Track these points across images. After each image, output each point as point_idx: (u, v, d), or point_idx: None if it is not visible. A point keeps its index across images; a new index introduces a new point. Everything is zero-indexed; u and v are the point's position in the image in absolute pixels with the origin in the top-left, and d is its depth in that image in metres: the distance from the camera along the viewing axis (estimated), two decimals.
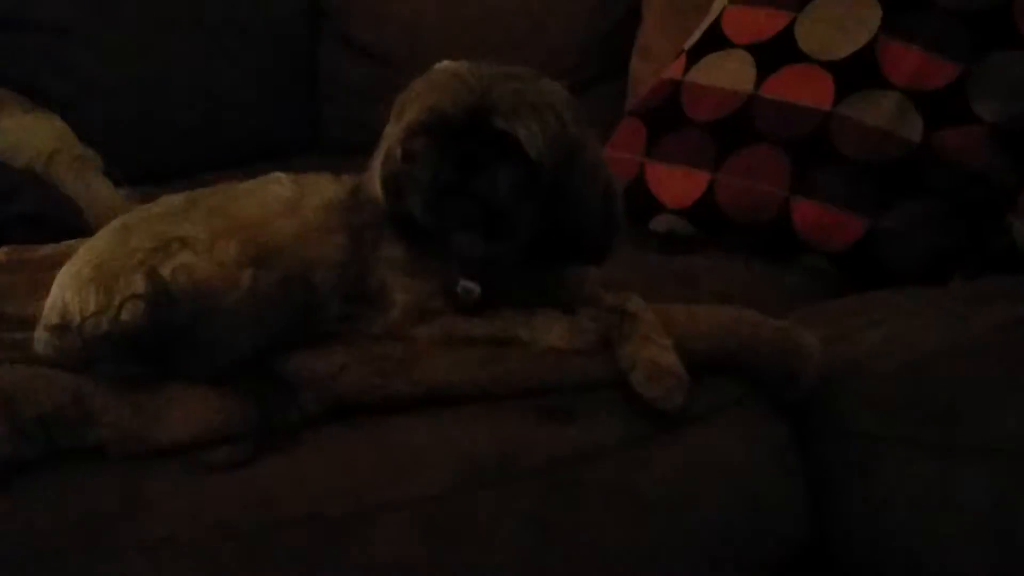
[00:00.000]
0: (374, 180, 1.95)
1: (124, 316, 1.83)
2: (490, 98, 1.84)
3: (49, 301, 1.93)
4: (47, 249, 2.29)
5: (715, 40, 2.86)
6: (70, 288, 1.91)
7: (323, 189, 2.03)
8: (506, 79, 1.88)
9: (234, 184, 2.05)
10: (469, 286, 1.94)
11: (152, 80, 3.47)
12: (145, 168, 3.21)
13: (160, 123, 3.48)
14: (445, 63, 1.94)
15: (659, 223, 2.79)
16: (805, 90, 2.67)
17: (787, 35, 2.74)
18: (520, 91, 1.87)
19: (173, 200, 2.03)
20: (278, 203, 2.00)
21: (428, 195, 1.86)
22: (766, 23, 2.79)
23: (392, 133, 1.92)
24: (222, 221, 1.95)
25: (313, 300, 1.93)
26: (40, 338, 1.91)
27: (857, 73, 2.64)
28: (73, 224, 2.68)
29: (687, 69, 2.88)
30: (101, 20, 3.41)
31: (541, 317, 1.95)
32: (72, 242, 2.20)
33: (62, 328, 1.88)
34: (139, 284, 1.85)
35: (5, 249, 2.33)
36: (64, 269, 1.95)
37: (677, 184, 2.75)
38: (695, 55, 2.87)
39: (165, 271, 1.86)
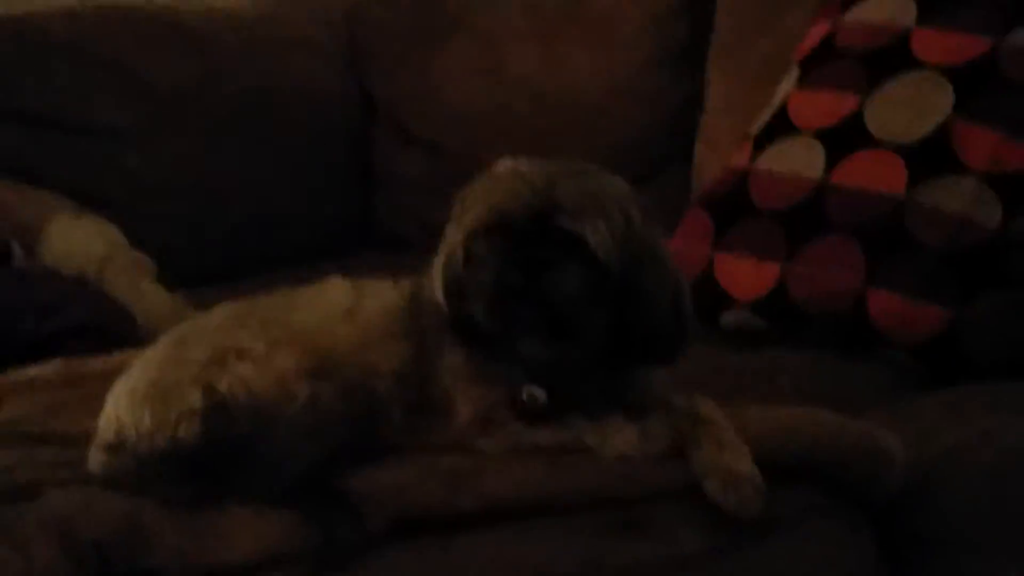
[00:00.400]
0: (435, 284, 1.93)
1: (180, 433, 1.82)
2: (554, 197, 1.82)
3: (103, 418, 1.90)
4: (100, 362, 2.28)
5: (782, 126, 2.81)
6: (125, 404, 1.89)
7: (382, 294, 2.01)
8: (570, 176, 1.86)
9: (291, 291, 2.03)
10: (535, 393, 1.91)
11: (204, 181, 3.46)
12: (199, 271, 3.18)
13: (213, 224, 3.46)
14: (506, 161, 1.91)
15: (729, 318, 2.73)
16: (877, 176, 2.61)
17: (856, 119, 2.69)
18: (585, 189, 1.84)
19: (229, 309, 2.01)
20: (336, 310, 1.97)
21: (492, 299, 1.83)
22: (833, 107, 2.74)
23: (453, 235, 1.90)
24: (279, 330, 1.93)
25: (375, 411, 1.91)
26: (94, 457, 1.88)
27: (931, 157, 2.59)
28: (127, 333, 2.65)
29: (754, 156, 2.82)
30: (154, 122, 3.41)
31: (610, 423, 1.91)
32: (126, 354, 2.18)
33: (117, 447, 1.86)
34: (195, 399, 1.84)
35: (57, 362, 2.32)
36: (118, 384, 1.93)
37: (747, 276, 2.70)
38: (761, 142, 2.83)
39: (222, 385, 1.84)
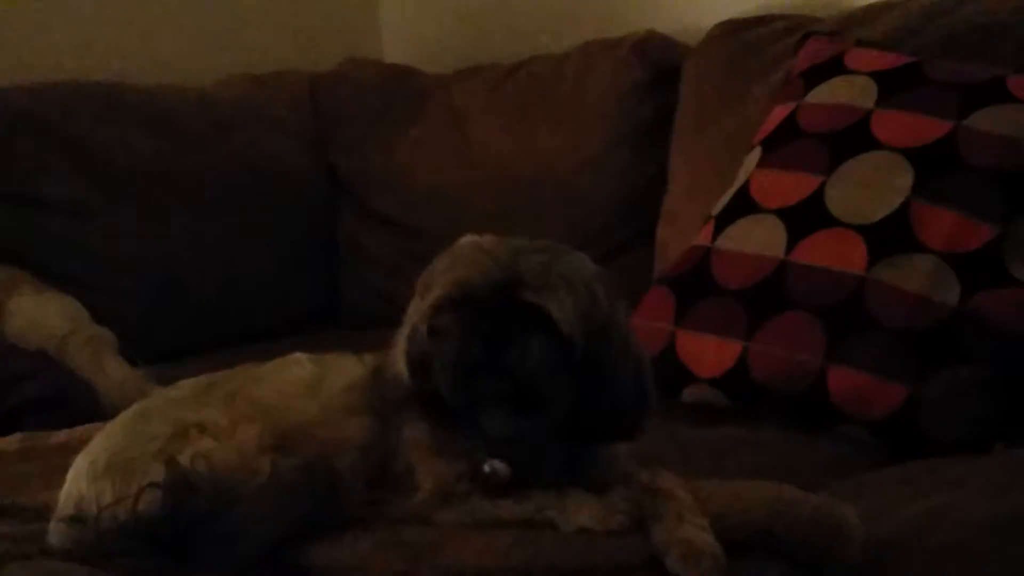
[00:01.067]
0: (398, 359, 1.92)
1: (141, 506, 1.81)
2: (518, 271, 1.83)
3: (64, 491, 1.91)
4: (62, 435, 2.29)
5: (744, 205, 2.83)
6: (86, 477, 1.89)
7: (345, 369, 2.01)
8: (534, 252, 1.86)
9: (253, 367, 2.03)
10: (497, 467, 1.91)
11: (168, 257, 3.49)
12: (162, 347, 3.20)
13: (175, 300, 3.48)
14: (469, 237, 1.92)
15: (691, 393, 2.74)
16: (837, 255, 2.64)
17: (817, 199, 2.71)
18: (549, 263, 1.85)
19: (191, 384, 2.01)
20: (299, 386, 1.98)
21: (456, 372, 1.83)
22: (795, 187, 2.76)
23: (417, 310, 1.91)
24: (242, 405, 1.93)
25: (336, 485, 1.89)
26: (55, 530, 1.88)
27: (890, 237, 2.61)
28: (89, 407, 2.67)
29: (716, 235, 2.85)
30: (115, 197, 3.43)
31: (572, 497, 1.90)
32: (88, 427, 2.19)
33: (78, 519, 1.85)
34: (157, 472, 1.83)
35: (19, 436, 2.32)
36: (80, 457, 1.93)
37: (709, 353, 2.71)
38: (723, 221, 2.85)
39: (183, 458, 1.84)
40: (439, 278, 1.88)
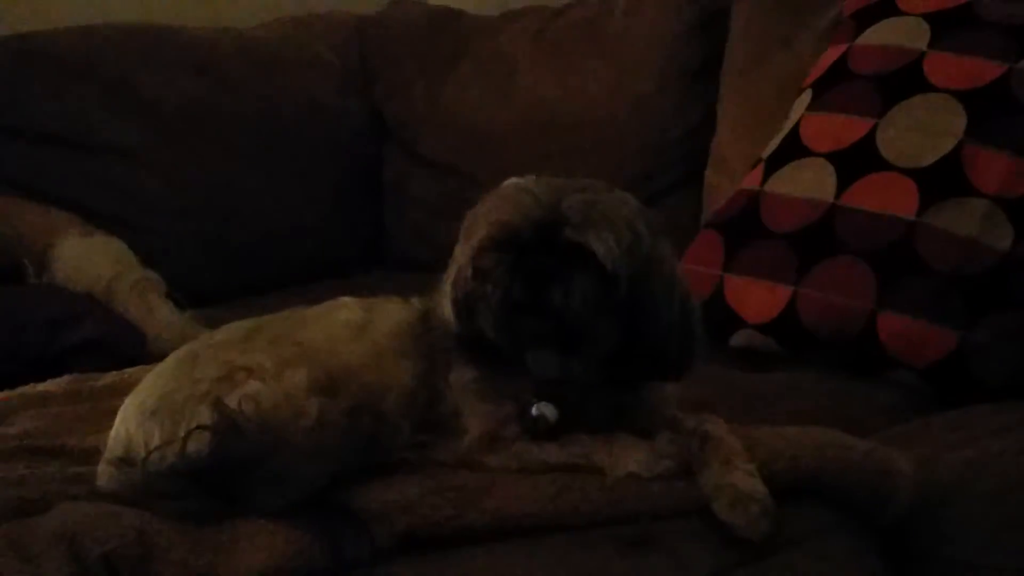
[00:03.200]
0: (444, 302, 1.93)
1: (189, 449, 1.80)
2: (560, 210, 1.83)
3: (113, 433, 1.91)
4: (110, 377, 2.28)
5: (794, 149, 2.80)
6: (134, 420, 1.89)
7: (392, 313, 2.01)
8: (576, 191, 1.86)
9: (300, 310, 2.04)
10: (544, 410, 1.90)
11: (215, 200, 3.48)
12: (208, 290, 3.19)
13: (223, 244, 3.48)
14: (514, 179, 1.92)
15: (740, 339, 2.72)
16: (888, 199, 2.61)
17: (868, 143, 2.68)
18: (591, 202, 1.84)
19: (239, 327, 2.01)
20: (345, 329, 1.98)
21: (500, 313, 1.83)
22: (846, 130, 2.73)
23: (462, 252, 1.91)
24: (289, 349, 1.93)
25: (383, 429, 1.90)
26: (104, 472, 1.88)
27: (942, 180, 2.58)
28: (137, 350, 2.67)
29: (765, 179, 2.82)
30: (162, 141, 3.43)
31: (619, 442, 1.90)
32: (136, 370, 2.19)
33: (126, 462, 1.86)
34: (205, 415, 1.83)
35: (68, 378, 2.32)
36: (128, 400, 1.93)
37: (757, 298, 2.69)
38: (773, 164, 2.82)
39: (231, 401, 1.83)
40: (482, 220, 1.88)
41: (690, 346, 1.92)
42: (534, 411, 1.91)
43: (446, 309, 1.92)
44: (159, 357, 2.04)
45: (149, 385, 1.93)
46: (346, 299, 2.04)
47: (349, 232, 3.71)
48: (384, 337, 1.96)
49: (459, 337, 1.91)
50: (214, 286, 3.28)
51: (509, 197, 1.88)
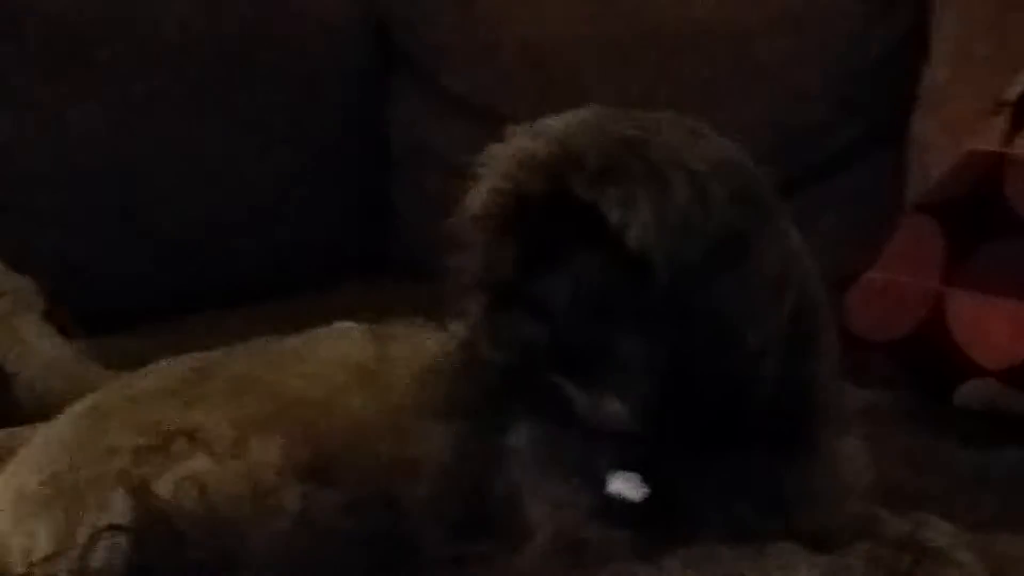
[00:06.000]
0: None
1: (94, 562, 1.45)
2: (573, 150, 1.39)
3: None
4: None
5: None
6: (8, 515, 1.51)
7: (417, 346, 1.58)
8: (618, 121, 1.41)
9: (275, 340, 1.66)
10: (622, 486, 1.45)
11: (141, 162, 2.78)
12: (116, 307, 2.58)
13: (150, 228, 2.77)
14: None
15: (970, 393, 2.20)
16: None
17: None
18: (631, 140, 1.38)
19: (176, 367, 1.63)
20: (347, 372, 1.58)
21: (480, 312, 1.42)
22: None
23: None
24: (257, 402, 1.55)
25: (405, 530, 1.50)
26: None
27: None
28: None
29: (1012, 135, 2.28)
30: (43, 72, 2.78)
31: (775, 556, 1.43)
32: (5, 433, 1.81)
33: None
34: (120, 508, 1.47)
35: None
36: None
37: (1001, 329, 2.17)
38: None
39: (163, 487, 1.47)
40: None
41: (809, 391, 1.41)
42: (611, 487, 1.45)
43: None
44: (36, 413, 1.71)
45: (31, 460, 1.56)
46: (347, 325, 1.65)
47: (344, 212, 3.02)
48: (405, 386, 1.54)
49: (505, 373, 1.44)
50: (134, 298, 2.68)
51: (515, 136, 1.45)
